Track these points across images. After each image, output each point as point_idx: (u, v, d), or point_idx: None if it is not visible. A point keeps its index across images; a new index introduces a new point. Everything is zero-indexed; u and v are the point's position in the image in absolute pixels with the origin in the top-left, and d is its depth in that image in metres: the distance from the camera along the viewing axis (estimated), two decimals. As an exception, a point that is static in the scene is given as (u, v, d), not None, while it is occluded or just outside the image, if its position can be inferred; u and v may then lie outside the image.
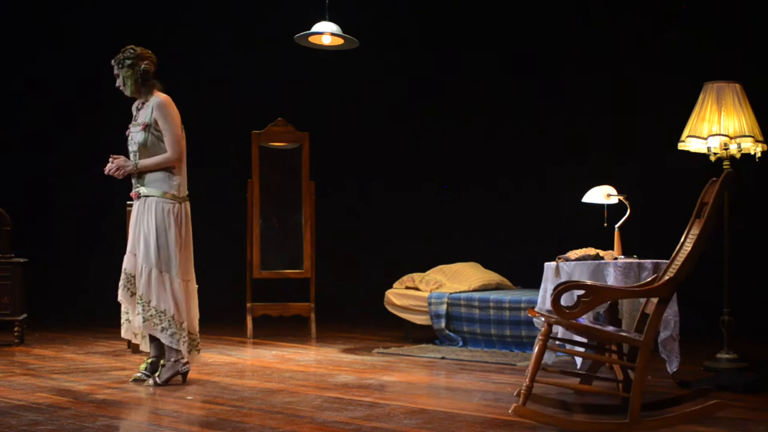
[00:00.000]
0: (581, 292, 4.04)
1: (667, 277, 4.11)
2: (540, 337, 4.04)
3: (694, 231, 4.17)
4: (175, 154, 5.22)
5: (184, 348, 5.24)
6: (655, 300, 4.06)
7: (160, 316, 5.21)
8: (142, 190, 5.26)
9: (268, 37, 9.31)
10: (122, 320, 5.40)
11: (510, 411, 4.01)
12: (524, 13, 8.76)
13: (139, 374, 5.37)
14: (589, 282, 4.52)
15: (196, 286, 5.44)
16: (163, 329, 5.20)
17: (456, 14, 9.18)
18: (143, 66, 5.28)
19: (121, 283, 5.28)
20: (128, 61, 5.28)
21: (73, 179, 9.82)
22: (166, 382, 5.20)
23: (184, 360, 5.24)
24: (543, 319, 4.08)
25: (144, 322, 5.20)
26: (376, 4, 9.11)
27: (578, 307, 3.99)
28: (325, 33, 6.75)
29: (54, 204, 9.86)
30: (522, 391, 4.01)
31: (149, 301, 5.20)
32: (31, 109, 9.81)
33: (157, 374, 5.25)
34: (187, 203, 5.37)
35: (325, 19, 6.74)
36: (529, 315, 4.38)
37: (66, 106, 9.78)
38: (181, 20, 9.71)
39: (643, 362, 3.93)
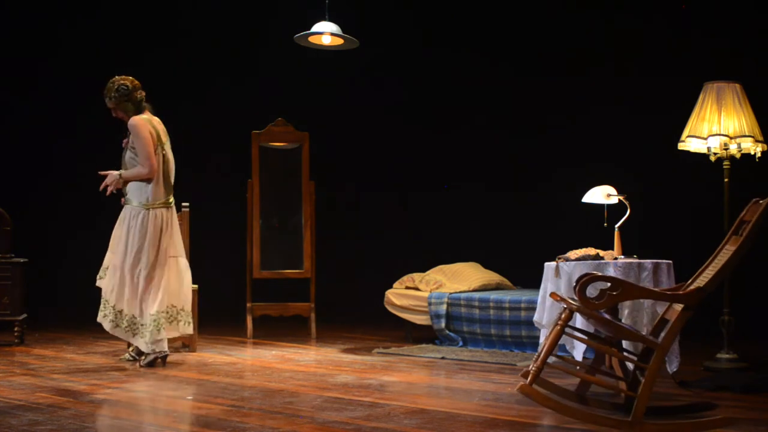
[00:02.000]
0: (605, 284, 4.03)
1: (695, 286, 4.09)
2: (559, 322, 4.03)
3: (730, 246, 4.16)
4: (145, 168, 6.00)
5: (129, 338, 6.03)
6: (678, 307, 4.05)
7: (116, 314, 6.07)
8: (126, 198, 6.12)
9: (268, 37, 9.31)
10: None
11: (516, 389, 4.00)
12: (524, 14, 8.76)
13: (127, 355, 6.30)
14: (618, 276, 4.51)
15: (182, 269, 6.18)
16: (117, 326, 6.06)
17: (456, 14, 9.18)
18: (138, 96, 6.09)
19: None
20: (125, 94, 6.05)
21: (73, 179, 9.81)
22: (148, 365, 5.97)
23: (157, 348, 5.94)
24: (565, 305, 4.07)
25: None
26: (375, 4, 9.11)
27: (603, 299, 3.99)
28: (325, 33, 6.75)
29: (54, 204, 9.85)
30: (531, 371, 3.99)
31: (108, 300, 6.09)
32: (31, 108, 9.81)
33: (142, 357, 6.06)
34: (162, 209, 6.08)
35: (325, 19, 6.74)
36: (552, 299, 4.37)
37: (66, 105, 9.78)
38: (181, 20, 9.70)
39: (656, 365, 3.92)
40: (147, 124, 6.01)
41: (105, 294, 6.05)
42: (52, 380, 5.40)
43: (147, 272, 5.97)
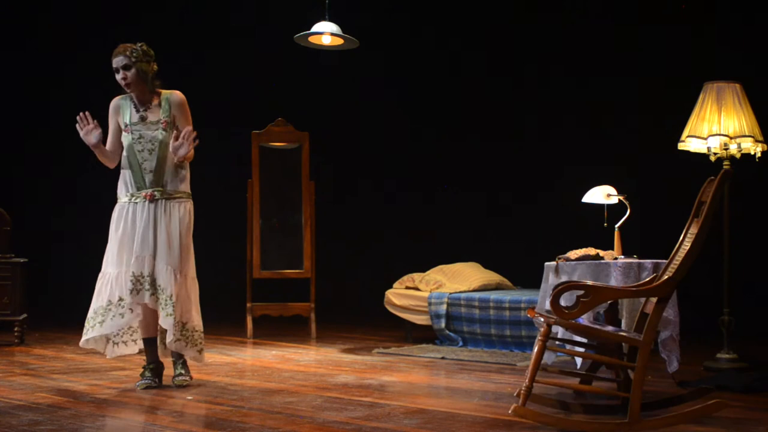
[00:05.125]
0: (581, 292, 4.04)
1: (665, 277, 4.11)
2: (539, 338, 4.04)
3: (693, 230, 4.17)
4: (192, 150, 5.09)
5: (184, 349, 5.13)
6: (654, 300, 4.06)
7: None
8: (159, 191, 5.05)
9: (267, 37, 9.31)
10: (94, 325, 5.07)
11: (510, 411, 4.01)
12: (525, 15, 8.77)
13: (147, 381, 5.13)
14: (587, 282, 4.52)
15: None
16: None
17: (457, 14, 9.18)
18: (154, 66, 5.13)
19: (131, 287, 4.98)
20: (148, 57, 5.08)
21: (73, 179, 9.82)
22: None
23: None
24: (542, 319, 4.08)
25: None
26: (376, 3, 9.11)
27: (577, 307, 3.99)
28: (325, 33, 6.75)
29: (54, 204, 9.86)
30: (522, 392, 4.01)
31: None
32: (31, 108, 9.81)
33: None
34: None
35: (325, 19, 6.74)
36: (529, 315, 4.38)
37: (66, 105, 9.78)
38: (180, 20, 9.71)
39: (642, 362, 3.94)
40: None
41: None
42: (52, 380, 5.40)
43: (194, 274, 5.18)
